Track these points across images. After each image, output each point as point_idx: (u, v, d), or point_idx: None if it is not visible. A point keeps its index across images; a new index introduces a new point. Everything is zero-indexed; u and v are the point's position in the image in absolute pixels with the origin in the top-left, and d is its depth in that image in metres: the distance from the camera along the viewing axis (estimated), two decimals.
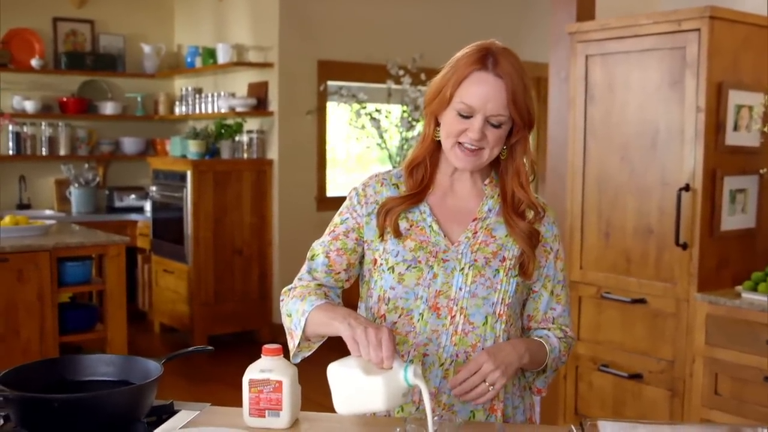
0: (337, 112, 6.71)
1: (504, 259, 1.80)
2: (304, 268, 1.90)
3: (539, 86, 7.84)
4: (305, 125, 6.36)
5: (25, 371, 1.72)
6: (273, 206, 6.37)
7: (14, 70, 6.81)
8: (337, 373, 1.58)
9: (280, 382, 1.67)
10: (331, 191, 6.57)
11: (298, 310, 1.77)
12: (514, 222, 1.81)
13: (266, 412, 1.68)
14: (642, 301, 3.56)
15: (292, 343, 1.79)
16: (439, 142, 1.84)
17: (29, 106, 6.83)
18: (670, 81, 3.44)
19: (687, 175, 3.38)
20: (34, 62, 6.82)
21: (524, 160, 1.83)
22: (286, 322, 1.82)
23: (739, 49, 3.42)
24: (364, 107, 6.01)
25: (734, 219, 3.47)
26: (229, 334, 6.34)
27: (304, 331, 1.75)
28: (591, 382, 3.79)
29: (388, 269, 1.80)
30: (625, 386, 3.65)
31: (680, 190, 3.37)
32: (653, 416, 3.52)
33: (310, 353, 1.84)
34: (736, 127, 3.42)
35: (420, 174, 1.86)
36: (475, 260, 1.78)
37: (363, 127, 6.04)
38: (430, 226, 1.81)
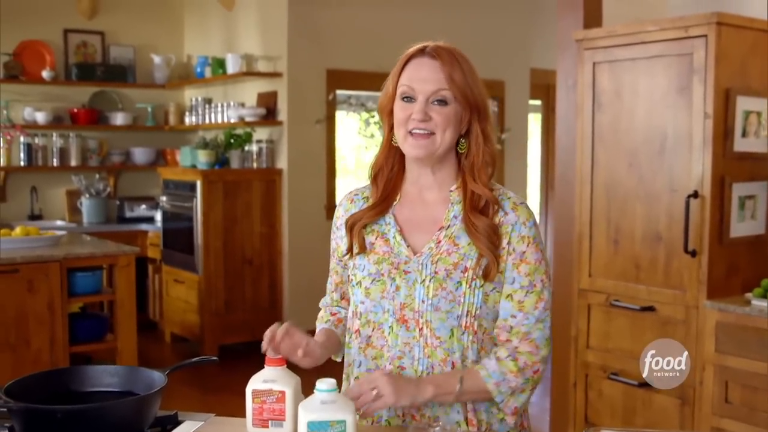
0: (346, 121, 6.73)
1: (466, 270, 1.74)
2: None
3: (548, 93, 7.85)
4: (314, 134, 6.37)
5: (29, 382, 1.72)
6: (283, 215, 6.38)
7: (25, 82, 6.86)
8: None
9: (283, 393, 1.67)
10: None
11: None
12: (472, 222, 1.76)
13: (269, 422, 1.68)
14: (651, 308, 3.54)
15: None
16: (398, 148, 1.84)
17: (40, 117, 6.87)
18: (678, 87, 3.42)
19: (695, 182, 3.36)
20: (45, 74, 6.87)
21: (478, 153, 1.80)
22: None
23: (746, 55, 3.41)
24: (373, 116, 6.03)
25: (743, 226, 3.45)
26: (240, 343, 6.33)
27: None
28: (601, 390, 3.77)
29: (357, 284, 1.82)
30: (635, 394, 3.63)
31: (689, 196, 3.36)
32: (664, 424, 3.50)
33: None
34: (744, 134, 3.40)
35: (383, 181, 1.87)
36: (436, 272, 1.75)
37: (372, 135, 6.05)
38: (393, 237, 1.81)
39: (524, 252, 1.78)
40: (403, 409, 1.76)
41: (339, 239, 1.92)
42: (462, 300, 1.74)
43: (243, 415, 1.82)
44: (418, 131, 1.76)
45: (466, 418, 1.76)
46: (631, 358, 3.63)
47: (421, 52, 1.79)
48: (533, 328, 1.77)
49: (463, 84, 1.76)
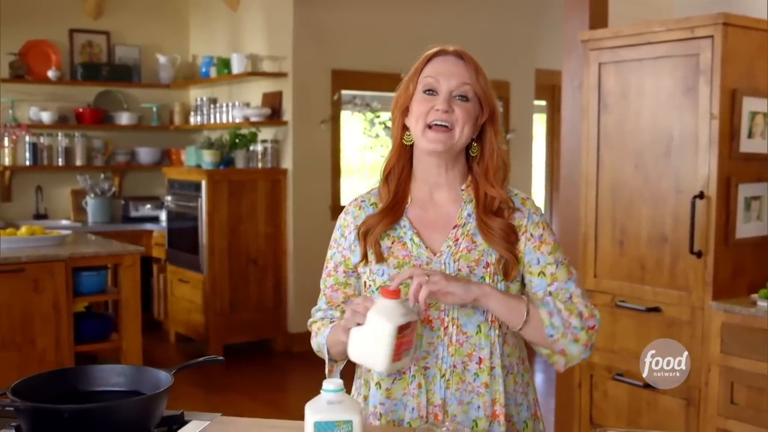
0: (351, 121, 6.73)
1: (488, 265, 1.78)
2: (317, 304, 1.97)
3: (554, 94, 7.84)
4: (319, 134, 6.37)
5: (36, 382, 1.72)
6: (287, 215, 6.38)
7: (31, 82, 6.87)
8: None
9: (415, 322, 1.68)
10: (346, 200, 6.57)
11: (319, 345, 1.89)
12: (486, 224, 1.79)
13: (403, 353, 1.66)
14: (657, 309, 3.54)
15: (327, 369, 1.88)
16: (409, 148, 1.86)
17: (46, 116, 6.88)
18: (684, 88, 3.42)
19: (701, 183, 3.36)
20: (51, 73, 6.88)
21: (493, 157, 1.84)
22: (319, 355, 1.93)
23: (753, 56, 3.40)
24: (378, 116, 6.03)
25: (749, 226, 3.45)
26: (245, 343, 6.35)
27: (331, 357, 1.85)
28: (606, 391, 3.77)
29: (377, 289, 1.81)
30: (640, 395, 3.63)
31: (694, 197, 3.35)
32: (669, 425, 3.49)
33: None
34: (750, 134, 3.40)
35: (394, 181, 1.87)
36: (459, 270, 1.77)
37: (377, 135, 6.06)
38: (411, 239, 1.81)
39: (542, 235, 1.83)
40: (428, 410, 1.77)
41: (346, 250, 1.89)
42: None
43: (247, 414, 1.82)
44: (439, 123, 1.77)
45: (490, 414, 1.77)
46: (636, 359, 3.60)
47: (446, 51, 1.83)
48: (575, 293, 1.81)
49: (485, 85, 1.81)
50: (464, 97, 1.79)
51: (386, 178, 1.88)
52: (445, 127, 1.77)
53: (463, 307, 1.76)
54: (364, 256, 1.84)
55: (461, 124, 1.78)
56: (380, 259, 1.81)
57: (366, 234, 1.83)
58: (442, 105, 1.77)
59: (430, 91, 1.79)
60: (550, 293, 1.81)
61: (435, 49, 1.84)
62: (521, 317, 1.73)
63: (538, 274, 1.81)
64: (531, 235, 1.82)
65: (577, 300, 1.80)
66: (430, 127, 1.78)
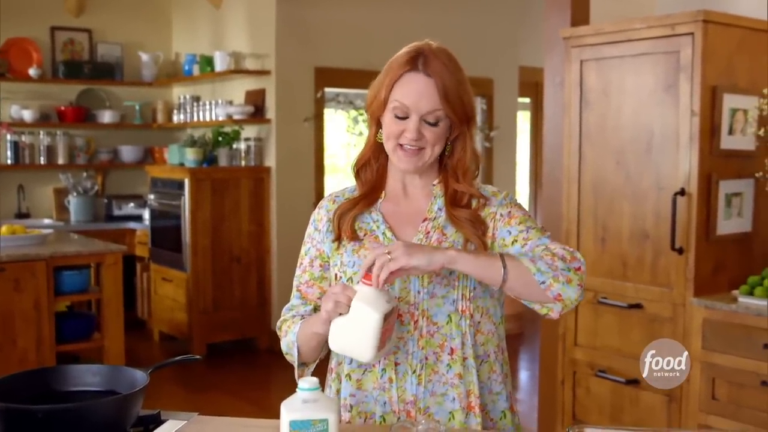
0: (334, 119, 6.72)
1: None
2: (289, 302, 1.95)
3: (536, 91, 7.86)
4: (303, 132, 6.36)
5: (11, 382, 1.71)
6: (271, 213, 6.36)
7: (12, 80, 6.82)
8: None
9: (397, 307, 1.71)
10: None
11: (288, 344, 1.85)
12: (454, 214, 1.80)
13: (386, 340, 1.67)
14: (638, 306, 3.55)
15: (297, 374, 1.86)
16: (382, 144, 1.85)
17: (27, 115, 6.84)
18: (665, 85, 3.43)
19: (682, 180, 3.37)
20: (32, 71, 6.83)
21: (465, 156, 1.84)
22: (288, 359, 1.89)
23: (733, 53, 3.41)
24: (362, 114, 6.01)
25: (730, 223, 3.46)
26: (228, 341, 6.33)
27: (301, 358, 1.83)
28: (589, 387, 3.78)
29: (348, 280, 1.80)
30: (622, 392, 3.64)
31: (676, 194, 3.36)
32: (651, 422, 3.50)
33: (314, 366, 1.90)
34: (731, 131, 3.41)
35: (368, 174, 1.89)
36: None
37: (360, 133, 6.05)
38: (383, 233, 1.82)
39: (509, 212, 1.83)
40: (399, 407, 1.76)
41: (320, 243, 1.89)
42: (456, 284, 1.77)
43: (232, 412, 1.81)
44: (409, 147, 1.78)
45: (465, 406, 1.76)
46: (618, 356, 3.64)
47: (415, 66, 1.76)
48: (550, 245, 1.76)
49: (455, 100, 1.77)
50: (434, 123, 1.77)
51: (358, 172, 1.90)
52: (416, 148, 1.78)
53: (432, 297, 1.76)
54: (337, 238, 1.84)
55: (431, 145, 1.78)
56: (354, 238, 1.82)
57: (341, 216, 1.84)
58: (412, 134, 1.76)
59: (400, 116, 1.77)
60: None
61: (405, 61, 1.77)
62: (498, 271, 1.67)
63: (512, 243, 1.79)
64: (500, 215, 1.82)
65: (554, 247, 1.75)
66: (401, 146, 1.79)
